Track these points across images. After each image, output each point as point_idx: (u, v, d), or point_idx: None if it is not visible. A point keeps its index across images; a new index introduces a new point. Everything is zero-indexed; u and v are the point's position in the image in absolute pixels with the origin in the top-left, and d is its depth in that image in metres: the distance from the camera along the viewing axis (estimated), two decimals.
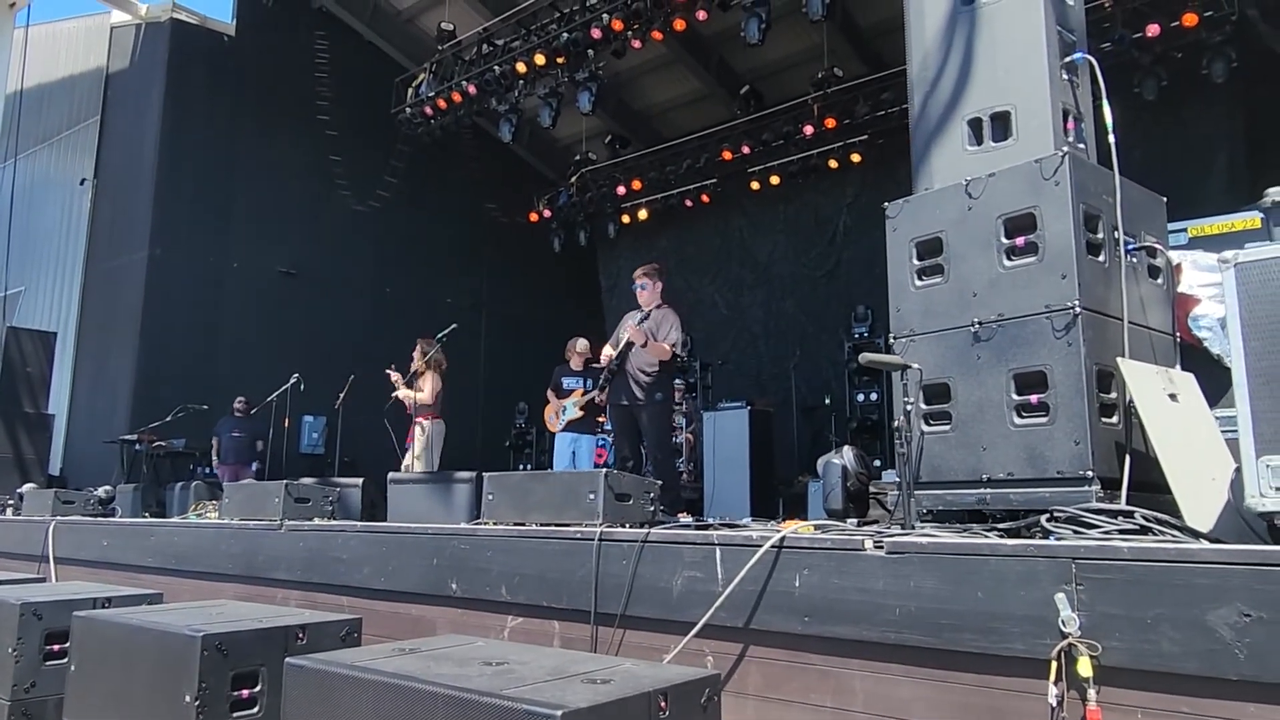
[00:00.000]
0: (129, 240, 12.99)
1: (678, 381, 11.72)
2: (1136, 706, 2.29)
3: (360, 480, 6.49)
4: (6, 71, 12.04)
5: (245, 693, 3.47)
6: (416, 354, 8.93)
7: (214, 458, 11.16)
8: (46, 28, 15.23)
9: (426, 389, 8.76)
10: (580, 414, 8.18)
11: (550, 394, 8.41)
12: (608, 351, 6.52)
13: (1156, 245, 3.64)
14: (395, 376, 8.88)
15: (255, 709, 3.48)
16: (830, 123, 12.09)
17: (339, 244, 13.99)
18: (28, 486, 9.18)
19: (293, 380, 9.89)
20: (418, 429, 8.81)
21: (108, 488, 8.23)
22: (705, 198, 14.20)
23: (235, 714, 3.42)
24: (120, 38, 14.17)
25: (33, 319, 14.05)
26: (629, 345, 6.26)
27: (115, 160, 13.95)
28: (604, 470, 3.75)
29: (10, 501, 8.73)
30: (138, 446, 11.05)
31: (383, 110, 13.79)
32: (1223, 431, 3.18)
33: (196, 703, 3.29)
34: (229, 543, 5.36)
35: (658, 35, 10.86)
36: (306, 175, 13.73)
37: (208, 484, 8.42)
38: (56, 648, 4.40)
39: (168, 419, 10.65)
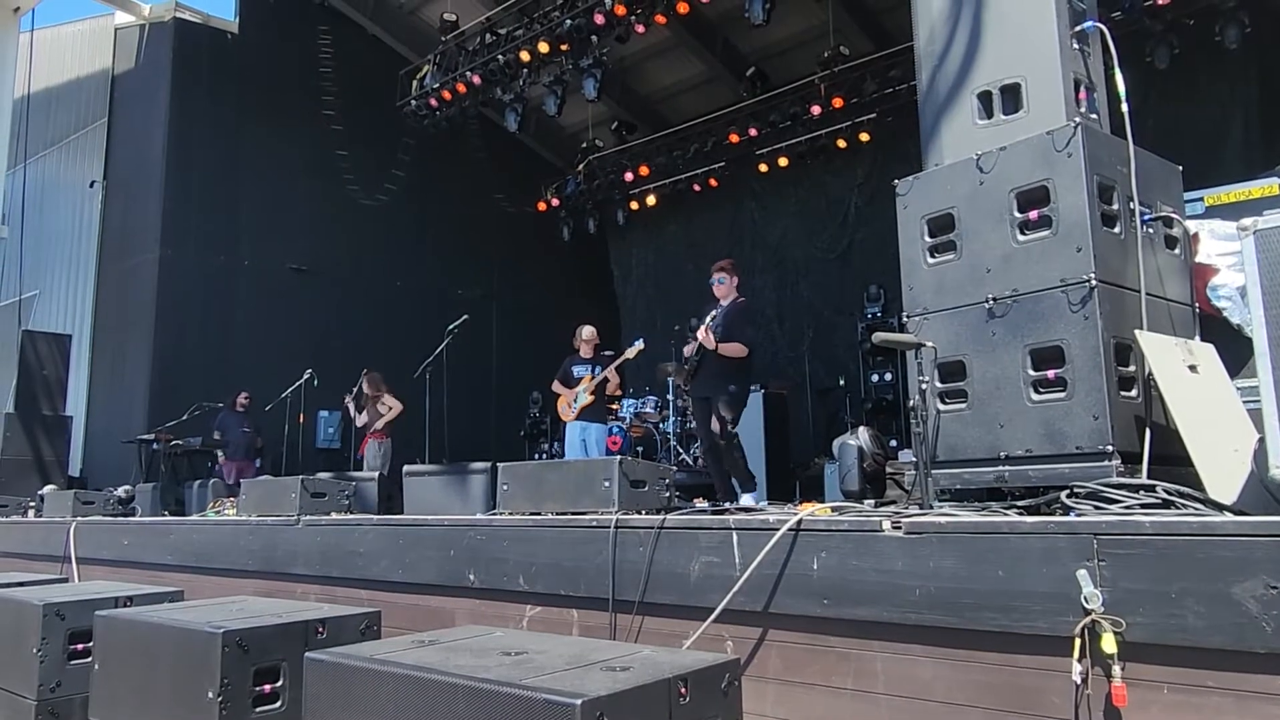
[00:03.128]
0: (140, 241, 13.05)
1: (689, 367, 11.68)
2: (1162, 682, 2.26)
3: (376, 474, 6.53)
4: (13, 76, 12.07)
5: (267, 688, 3.49)
6: (367, 385, 10.09)
7: (218, 453, 11.19)
8: (51, 31, 15.24)
9: (393, 412, 9.99)
10: (590, 399, 8.16)
11: (558, 384, 8.41)
12: (690, 347, 6.77)
13: (1173, 215, 3.58)
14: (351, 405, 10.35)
15: (277, 704, 3.50)
16: (838, 102, 11.97)
17: (348, 239, 14.00)
18: (48, 488, 9.25)
19: (305, 376, 9.95)
20: (374, 444, 9.91)
21: (127, 487, 8.29)
22: (714, 182, 14.12)
23: (258, 709, 3.44)
24: (125, 39, 14.19)
25: (48, 322, 14.14)
26: (702, 346, 6.43)
27: (124, 161, 14.00)
28: (618, 458, 3.74)
29: (31, 503, 8.80)
30: (155, 446, 11.11)
31: (388, 103, 13.76)
32: (1244, 402, 3.14)
33: (219, 699, 3.31)
34: (247, 539, 5.39)
35: (661, 19, 10.78)
36: (314, 171, 13.73)
37: (225, 482, 8.47)
38: (80, 647, 4.44)
39: (184, 418, 10.71)
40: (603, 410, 8.49)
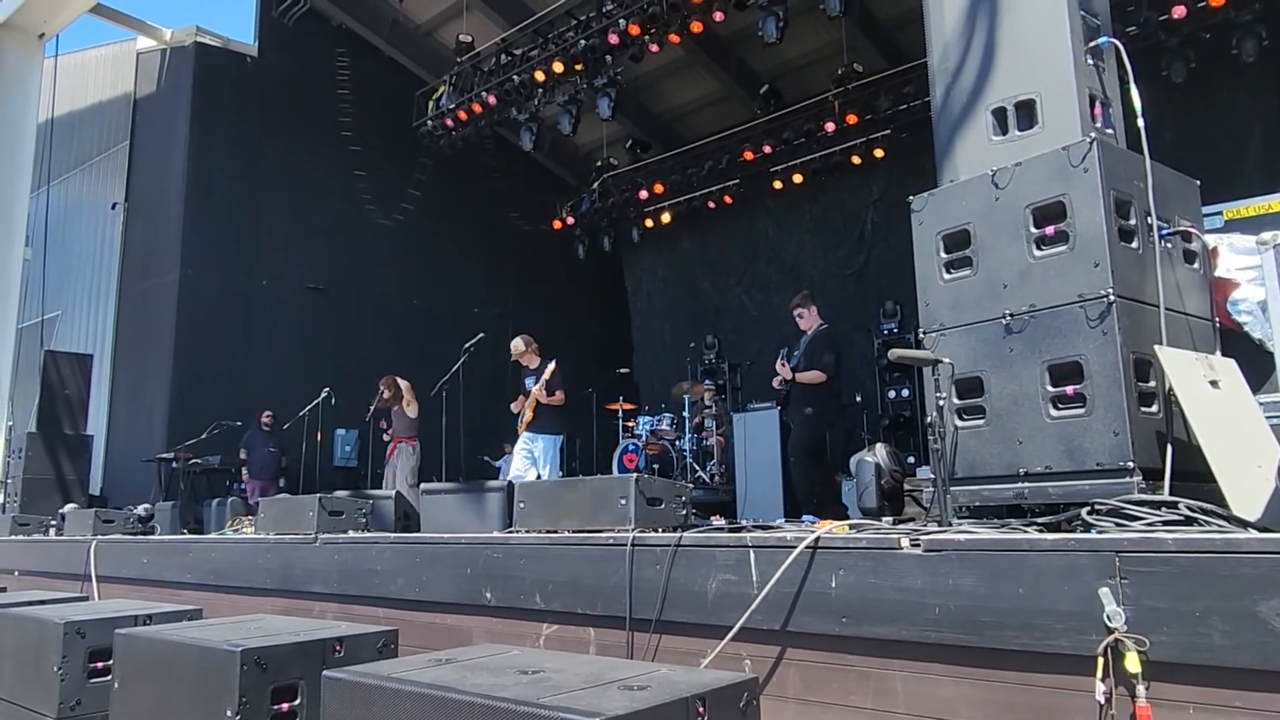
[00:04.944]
0: (161, 261, 13.19)
1: (708, 384, 11.70)
2: (1188, 702, 2.23)
3: (393, 492, 6.54)
4: (37, 101, 12.27)
5: (285, 706, 3.48)
6: (388, 389, 10.04)
7: (244, 471, 11.25)
8: (75, 56, 15.52)
9: (414, 413, 9.93)
10: (530, 415, 8.23)
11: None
12: (778, 381, 7.15)
13: (1191, 229, 3.56)
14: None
15: None
16: (852, 119, 12.01)
17: (365, 258, 14.11)
18: (69, 507, 9.33)
19: (323, 395, 10.00)
20: (409, 448, 9.90)
21: (146, 506, 8.35)
22: (728, 199, 14.17)
23: None
24: (146, 63, 14.41)
25: (70, 342, 14.30)
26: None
27: (145, 183, 14.18)
28: (634, 475, 3.74)
29: (53, 522, 8.87)
30: (174, 464, 11.19)
31: (405, 124, 13.90)
32: (1268, 417, 3.11)
33: (237, 717, 3.31)
34: (265, 557, 5.41)
35: (675, 38, 10.86)
36: (332, 191, 13.87)
37: (244, 500, 8.52)
38: (100, 665, 4.45)
39: (203, 436, 10.79)
40: (549, 422, 8.43)
